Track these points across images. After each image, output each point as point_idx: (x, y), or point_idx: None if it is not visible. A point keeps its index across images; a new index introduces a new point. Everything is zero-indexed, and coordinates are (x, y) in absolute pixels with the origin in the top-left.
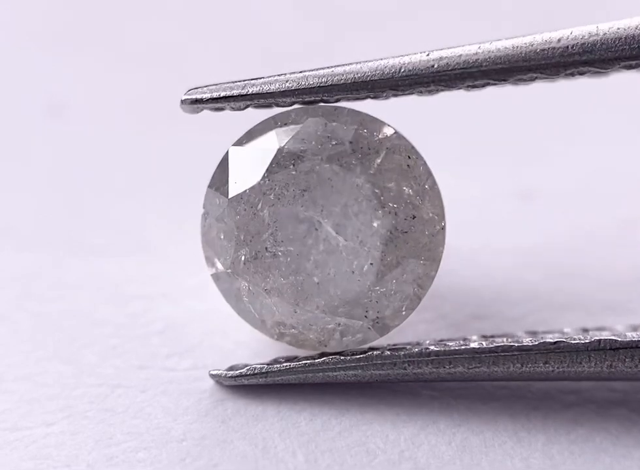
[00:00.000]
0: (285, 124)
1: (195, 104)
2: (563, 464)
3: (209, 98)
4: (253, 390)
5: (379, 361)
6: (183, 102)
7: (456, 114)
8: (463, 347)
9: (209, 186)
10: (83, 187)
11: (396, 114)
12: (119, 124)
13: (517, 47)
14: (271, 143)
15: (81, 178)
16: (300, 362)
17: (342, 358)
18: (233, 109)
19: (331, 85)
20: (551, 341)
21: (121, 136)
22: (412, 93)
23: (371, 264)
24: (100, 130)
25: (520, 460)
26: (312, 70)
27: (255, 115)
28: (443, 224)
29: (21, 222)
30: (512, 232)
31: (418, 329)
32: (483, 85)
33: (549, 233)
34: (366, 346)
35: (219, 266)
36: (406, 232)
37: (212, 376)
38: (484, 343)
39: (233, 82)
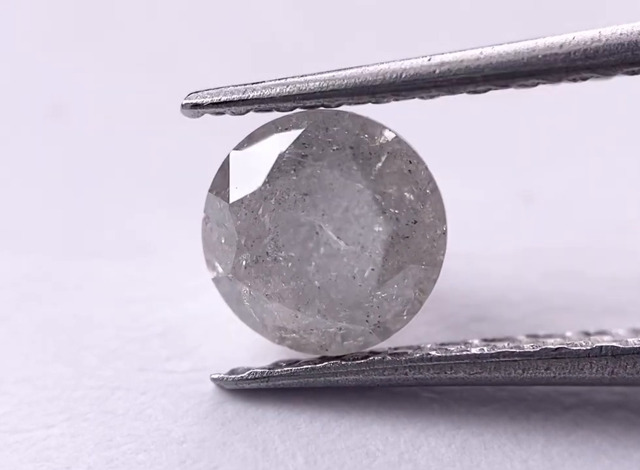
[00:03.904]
0: (286, 129)
1: (195, 108)
2: (562, 465)
3: (210, 103)
4: (253, 392)
5: (380, 367)
6: (183, 106)
7: (457, 118)
8: (464, 353)
9: (210, 190)
10: (84, 190)
11: (397, 118)
12: (120, 127)
13: (519, 52)
14: (272, 148)
15: (83, 181)
16: (302, 367)
17: (343, 363)
18: (234, 113)
19: (332, 90)
20: (552, 347)
21: (122, 139)
22: (413, 98)
23: (372, 269)
24: (101, 133)
25: (520, 462)
26: (313, 75)
27: (256, 119)
28: (444, 228)
29: (22, 224)
30: (513, 234)
31: (419, 331)
32: (485, 91)
33: (549, 236)
34: (367, 350)
35: (220, 270)
36: (407, 237)
37: (213, 380)
38: (485, 348)
39: (234, 86)
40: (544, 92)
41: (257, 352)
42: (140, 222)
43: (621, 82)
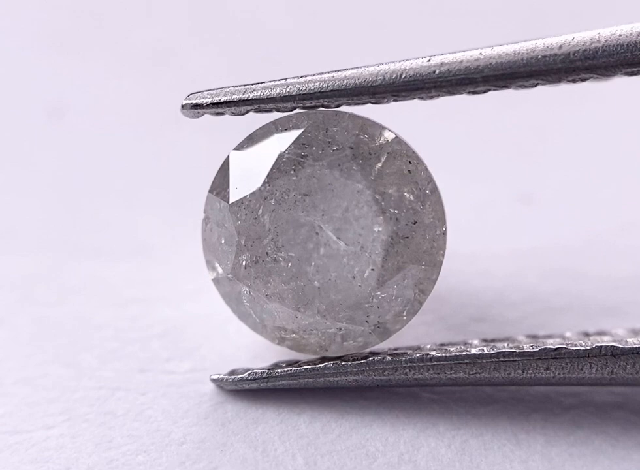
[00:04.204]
0: (286, 129)
1: (195, 108)
2: (562, 466)
3: (210, 103)
4: (252, 393)
5: (380, 367)
6: (183, 106)
7: (456, 118)
8: (464, 353)
9: (210, 190)
10: (84, 191)
11: (397, 118)
12: (120, 128)
13: (518, 53)
14: (272, 148)
15: (83, 182)
16: (301, 367)
17: (343, 363)
18: (234, 114)
19: (332, 90)
20: (552, 347)
21: (122, 140)
22: (413, 98)
23: (372, 269)
24: (101, 134)
25: (520, 462)
26: (313, 75)
27: (256, 119)
28: (444, 228)
29: (22, 225)
30: (512, 235)
31: (418, 332)
32: (484, 91)
33: (548, 236)
34: (367, 350)
35: (220, 270)
36: (407, 238)
37: (213, 380)
38: (485, 348)
39: (234, 87)
40: (544, 92)
41: (257, 352)
42: (140, 223)
43: (620, 82)
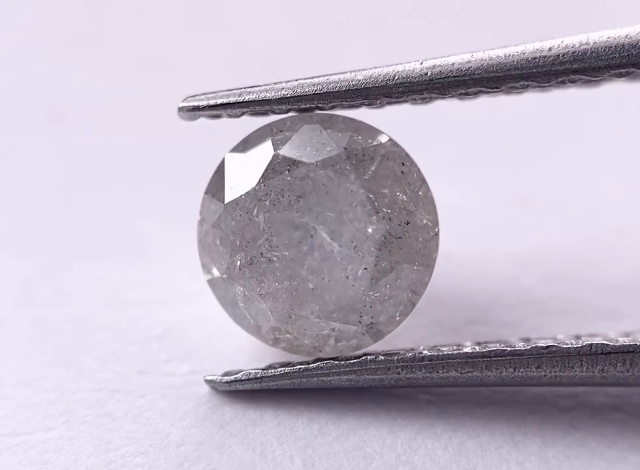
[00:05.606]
0: (281, 131)
1: (192, 111)
2: (559, 468)
3: (207, 106)
4: (250, 394)
5: (373, 366)
6: (180, 109)
7: (451, 121)
8: (456, 352)
9: (206, 192)
10: (82, 193)
11: (390, 121)
12: (118, 131)
13: (509, 55)
14: (267, 149)
15: (81, 184)
16: (295, 367)
17: (336, 362)
18: (230, 116)
19: (326, 92)
20: (543, 345)
21: (120, 142)
22: (406, 101)
23: (365, 269)
24: (99, 136)
25: (516, 464)
26: (308, 78)
27: (251, 122)
28: (436, 230)
29: (22, 227)
30: (509, 237)
31: (415, 334)
32: (476, 93)
33: (545, 238)
34: (361, 351)
35: (215, 272)
36: (400, 238)
37: (207, 381)
38: (477, 347)
39: (230, 90)
40: (539, 95)
41: (255, 354)
42: (139, 226)
43: (614, 86)
